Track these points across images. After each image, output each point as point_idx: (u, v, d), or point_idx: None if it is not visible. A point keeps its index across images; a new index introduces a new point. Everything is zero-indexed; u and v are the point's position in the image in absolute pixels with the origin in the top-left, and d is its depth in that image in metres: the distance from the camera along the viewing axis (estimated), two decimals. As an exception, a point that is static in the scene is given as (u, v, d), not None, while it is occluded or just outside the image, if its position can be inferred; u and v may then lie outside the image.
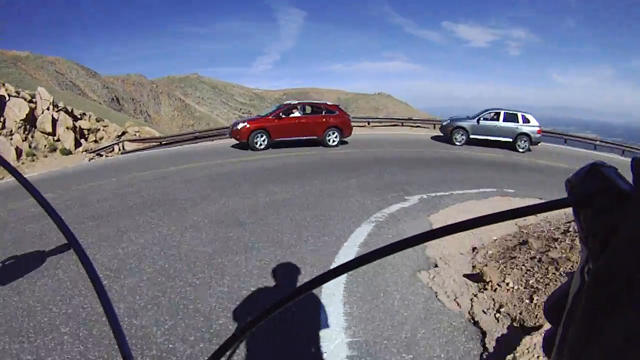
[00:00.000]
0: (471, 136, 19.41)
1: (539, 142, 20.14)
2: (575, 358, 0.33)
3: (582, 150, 23.00)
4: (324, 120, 16.47)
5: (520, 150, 19.18)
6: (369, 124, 26.30)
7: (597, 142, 24.65)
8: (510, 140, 19.36)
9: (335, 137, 16.62)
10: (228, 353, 0.56)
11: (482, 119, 19.65)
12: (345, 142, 17.39)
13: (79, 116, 22.12)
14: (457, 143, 19.25)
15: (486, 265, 4.71)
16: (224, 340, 0.56)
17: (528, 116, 19.88)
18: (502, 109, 19.94)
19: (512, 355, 3.05)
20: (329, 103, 17.98)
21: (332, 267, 0.44)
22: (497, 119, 19.65)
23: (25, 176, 0.66)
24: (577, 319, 0.33)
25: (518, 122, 19.59)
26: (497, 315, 3.79)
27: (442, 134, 20.70)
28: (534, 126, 19.68)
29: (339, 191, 8.73)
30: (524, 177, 12.42)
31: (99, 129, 22.12)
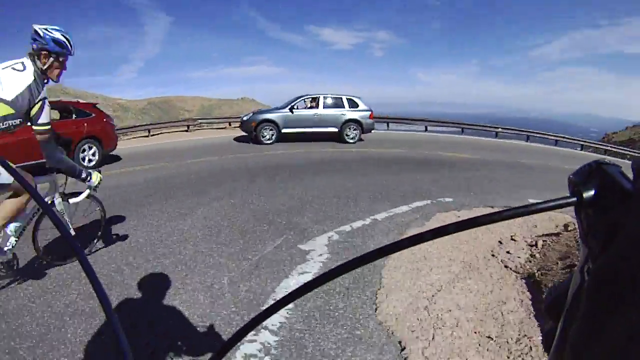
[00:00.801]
0: (283, 130, 15.91)
1: (371, 129, 17.67)
2: (577, 356, 0.33)
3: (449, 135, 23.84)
4: (76, 127, 10.07)
5: (350, 141, 16.59)
6: (149, 132, 19.23)
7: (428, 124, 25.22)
8: (336, 130, 16.56)
9: (93, 153, 10.55)
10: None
11: (296, 107, 16.24)
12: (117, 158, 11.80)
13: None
14: (266, 141, 15.59)
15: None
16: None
17: (356, 100, 17.12)
18: (321, 94, 16.80)
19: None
20: (81, 101, 12.66)
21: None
22: (317, 107, 16.48)
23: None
24: (579, 317, 0.34)
25: (344, 107, 16.72)
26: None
27: (245, 133, 16.39)
28: (363, 110, 16.98)
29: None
30: (446, 177, 10.21)
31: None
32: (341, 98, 16.73)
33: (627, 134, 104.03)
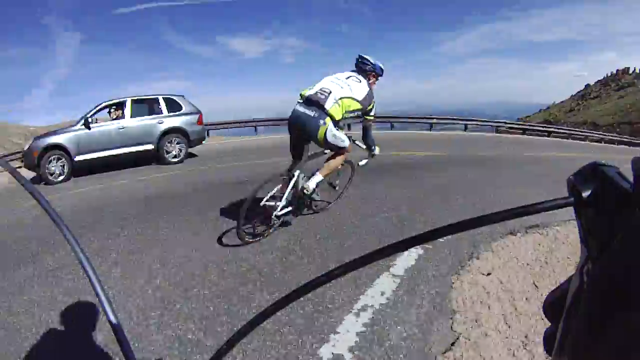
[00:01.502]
0: (77, 158, 10.46)
1: (202, 140, 12.47)
2: (577, 357, 0.34)
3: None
4: None
5: (173, 160, 11.31)
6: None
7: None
8: (152, 147, 11.27)
9: None
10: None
11: (94, 120, 10.72)
12: None
13: None
14: (56, 180, 10.09)
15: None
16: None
17: (178, 100, 11.94)
18: (129, 97, 11.26)
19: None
20: None
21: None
22: (123, 116, 11.08)
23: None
24: (579, 319, 0.34)
25: (161, 112, 11.46)
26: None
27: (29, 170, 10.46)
28: (189, 114, 11.92)
29: None
30: (415, 184, 7.71)
31: None
32: (157, 99, 11.42)
33: (541, 116, 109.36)
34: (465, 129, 24.92)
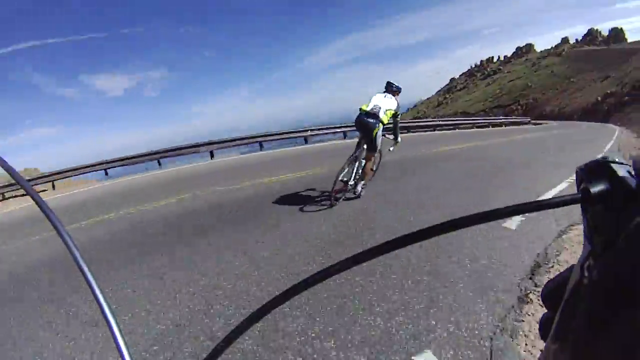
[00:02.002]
0: None
1: None
2: (579, 353, 0.34)
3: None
4: None
5: None
6: None
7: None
8: None
9: None
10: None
11: None
12: None
13: None
14: None
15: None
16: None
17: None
18: None
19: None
20: None
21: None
22: None
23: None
24: (580, 316, 0.35)
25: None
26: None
27: None
28: None
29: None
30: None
31: None
32: None
33: (410, 114, 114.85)
34: (345, 136, 24.15)
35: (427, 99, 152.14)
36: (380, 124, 6.96)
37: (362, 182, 7.64)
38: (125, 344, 0.58)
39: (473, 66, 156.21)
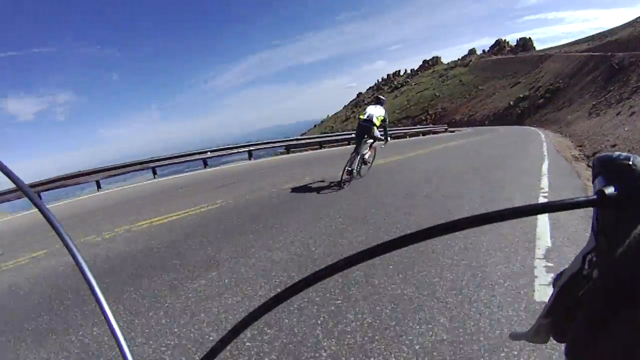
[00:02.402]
0: None
1: None
2: (581, 350, 0.35)
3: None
4: None
5: None
6: None
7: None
8: None
9: None
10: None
11: None
12: None
13: None
14: None
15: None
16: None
17: None
18: None
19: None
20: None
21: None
22: None
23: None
24: (584, 316, 0.35)
25: None
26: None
27: None
28: None
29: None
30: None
31: None
32: None
33: (316, 131, 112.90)
34: (250, 156, 20.77)
35: (335, 114, 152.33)
36: (374, 126, 9.56)
37: (366, 166, 10.55)
38: (127, 344, 0.58)
39: (380, 80, 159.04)
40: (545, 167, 10.54)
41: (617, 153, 0.36)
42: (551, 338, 0.43)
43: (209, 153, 19.33)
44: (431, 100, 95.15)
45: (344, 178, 9.33)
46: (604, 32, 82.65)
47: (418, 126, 43.42)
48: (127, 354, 0.57)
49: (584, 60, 50.98)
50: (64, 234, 0.63)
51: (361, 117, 9.67)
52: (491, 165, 11.35)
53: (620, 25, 75.95)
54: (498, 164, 11.48)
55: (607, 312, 0.31)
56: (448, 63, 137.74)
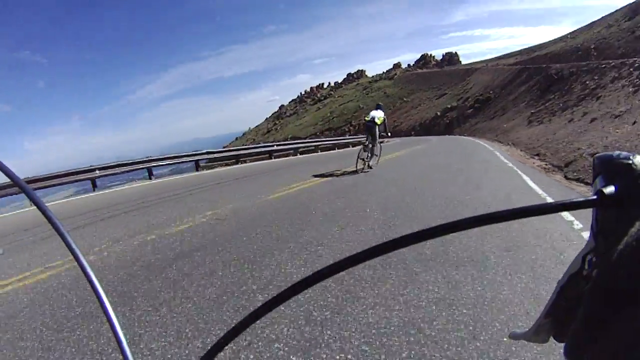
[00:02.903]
0: None
1: None
2: (581, 350, 0.35)
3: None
4: None
5: None
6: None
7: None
8: None
9: None
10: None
11: None
12: None
13: None
14: None
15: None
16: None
17: None
18: None
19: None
20: None
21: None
22: None
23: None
24: (583, 316, 0.35)
25: None
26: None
27: None
28: None
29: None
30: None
31: None
32: None
33: (238, 143, 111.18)
34: (150, 176, 16.77)
35: (256, 126, 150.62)
36: (376, 125, 12.32)
37: (374, 159, 12.98)
38: (127, 343, 0.58)
39: (303, 93, 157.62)
40: (532, 184, 8.75)
41: (617, 152, 0.36)
42: (551, 338, 0.44)
43: (97, 172, 14.62)
44: (355, 112, 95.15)
45: (358, 167, 12.24)
46: (532, 47, 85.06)
47: (349, 137, 40.55)
48: (128, 355, 0.56)
49: (516, 72, 51.86)
50: (66, 234, 0.61)
51: (366, 118, 12.73)
52: (468, 186, 8.58)
53: (551, 40, 78.38)
54: (476, 184, 8.80)
55: (606, 311, 0.31)
56: (373, 76, 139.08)
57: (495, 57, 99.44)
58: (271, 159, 22.82)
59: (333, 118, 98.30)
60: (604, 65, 28.20)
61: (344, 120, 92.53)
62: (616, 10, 53.08)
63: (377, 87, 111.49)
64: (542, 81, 38.73)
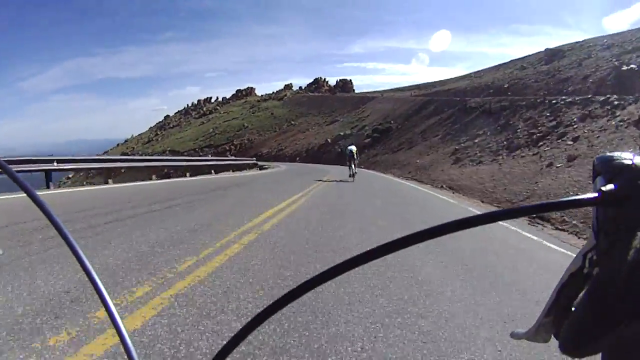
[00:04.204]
0: None
1: None
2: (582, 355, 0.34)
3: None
4: None
5: None
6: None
7: None
8: None
9: None
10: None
11: None
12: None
13: None
14: None
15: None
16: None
17: None
18: None
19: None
20: None
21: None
22: None
23: None
24: (584, 316, 0.34)
25: None
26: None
27: None
28: None
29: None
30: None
31: None
32: None
33: (119, 150, 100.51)
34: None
35: (139, 134, 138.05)
36: (355, 153, 18.82)
37: (354, 174, 18.41)
38: (129, 335, 0.57)
39: (190, 105, 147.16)
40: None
41: (617, 153, 0.35)
42: (552, 338, 0.42)
43: None
44: (238, 130, 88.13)
45: (350, 178, 18.43)
46: (431, 83, 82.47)
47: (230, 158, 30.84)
48: (132, 353, 0.53)
49: (421, 103, 45.96)
50: (63, 227, 0.57)
51: (350, 148, 19.58)
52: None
53: (452, 78, 76.53)
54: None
55: (608, 310, 0.31)
56: (262, 95, 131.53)
57: (391, 89, 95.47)
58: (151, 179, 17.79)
59: (215, 134, 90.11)
60: (554, 101, 22.07)
61: (226, 138, 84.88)
62: (529, 55, 50.76)
63: (265, 106, 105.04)
64: (458, 114, 32.65)
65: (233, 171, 25.73)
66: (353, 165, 18.85)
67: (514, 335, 0.45)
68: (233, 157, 33.04)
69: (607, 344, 0.31)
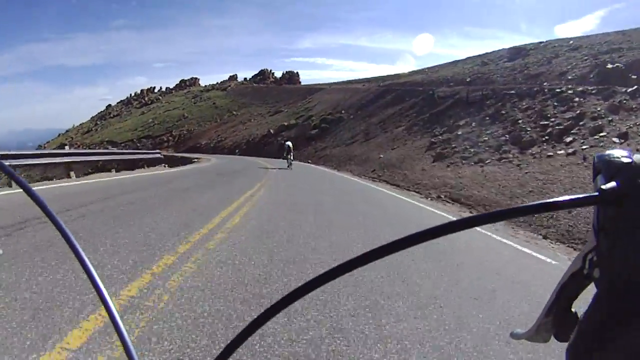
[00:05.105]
0: None
1: None
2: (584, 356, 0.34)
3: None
4: None
5: None
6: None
7: None
8: None
9: None
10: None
11: None
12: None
13: None
14: None
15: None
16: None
17: None
18: None
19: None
20: None
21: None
22: None
23: None
24: (585, 315, 0.34)
25: None
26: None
27: None
28: None
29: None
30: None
31: None
32: None
33: (59, 141, 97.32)
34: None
35: (80, 124, 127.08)
36: (292, 147, 23.21)
37: (291, 164, 21.95)
38: (128, 334, 0.55)
39: (132, 95, 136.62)
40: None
41: (617, 150, 0.35)
42: (552, 338, 0.42)
43: None
44: (177, 120, 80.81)
45: (288, 167, 21.47)
46: (383, 76, 76.75)
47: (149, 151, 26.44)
48: (132, 353, 0.52)
49: (378, 93, 40.46)
50: (59, 221, 0.56)
51: (287, 144, 23.53)
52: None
53: (405, 73, 71.03)
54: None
55: (609, 310, 0.30)
56: (205, 86, 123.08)
57: (340, 82, 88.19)
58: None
59: (154, 125, 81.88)
60: (559, 90, 18.70)
61: (165, 128, 77.36)
62: (488, 52, 46.82)
63: (207, 96, 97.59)
64: (422, 104, 27.91)
65: (147, 166, 18.75)
66: (290, 156, 22.78)
67: (514, 335, 0.44)
68: (130, 151, 23.70)
69: (619, 346, 0.30)
